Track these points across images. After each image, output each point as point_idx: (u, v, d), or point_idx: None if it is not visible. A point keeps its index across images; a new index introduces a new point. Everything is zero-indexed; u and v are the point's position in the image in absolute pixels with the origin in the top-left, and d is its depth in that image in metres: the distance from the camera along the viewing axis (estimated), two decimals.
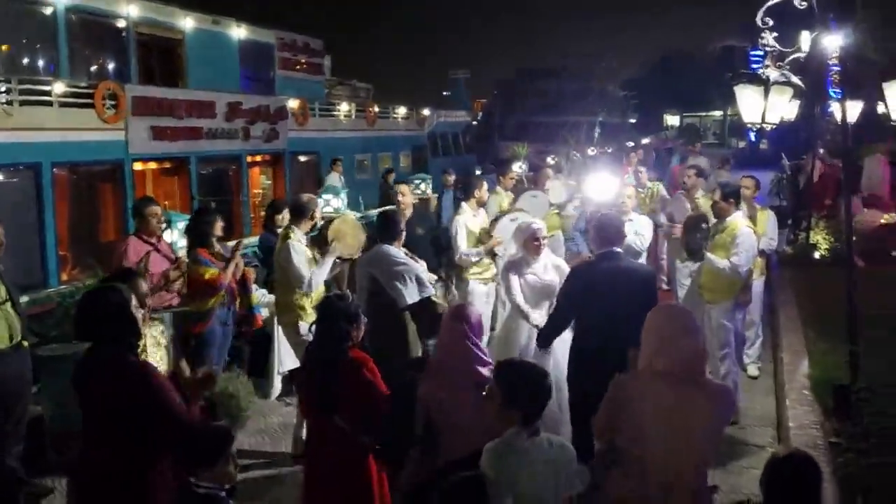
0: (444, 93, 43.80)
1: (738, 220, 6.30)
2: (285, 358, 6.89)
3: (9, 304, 5.35)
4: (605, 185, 8.03)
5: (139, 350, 3.64)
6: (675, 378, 3.22)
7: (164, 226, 6.87)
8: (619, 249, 4.92)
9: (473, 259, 7.31)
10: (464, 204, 7.81)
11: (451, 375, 3.74)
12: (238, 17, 17.41)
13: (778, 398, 6.76)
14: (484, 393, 3.38)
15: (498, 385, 3.17)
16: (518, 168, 14.73)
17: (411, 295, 5.23)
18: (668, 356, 3.24)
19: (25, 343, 5.40)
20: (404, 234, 5.74)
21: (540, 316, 5.55)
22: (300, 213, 6.24)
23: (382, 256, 5.44)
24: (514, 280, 5.76)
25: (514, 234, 6.31)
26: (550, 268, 5.82)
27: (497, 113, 47.89)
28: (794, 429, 5.78)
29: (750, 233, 6.25)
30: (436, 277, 5.80)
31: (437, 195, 14.46)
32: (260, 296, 7.47)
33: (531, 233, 5.81)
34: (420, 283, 5.32)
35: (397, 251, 5.47)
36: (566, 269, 5.69)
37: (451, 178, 13.13)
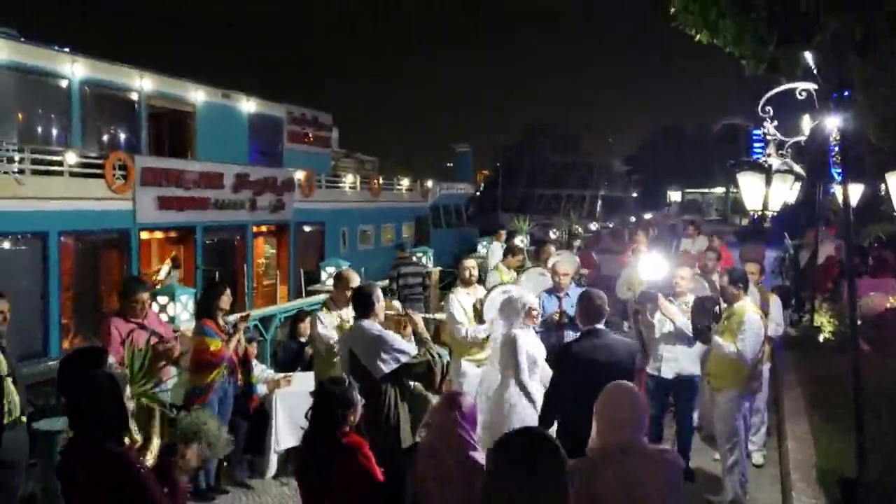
0: (447, 164, 44.45)
1: (746, 305, 6.29)
2: (282, 436, 6.80)
3: (10, 380, 5.32)
4: (656, 266, 7.95)
5: (125, 437, 3.55)
6: (616, 453, 3.33)
7: (151, 304, 6.80)
8: (601, 326, 5.00)
9: (481, 336, 7.06)
10: (457, 284, 7.61)
11: (442, 461, 3.70)
12: (249, 91, 17.85)
13: (784, 488, 6.62)
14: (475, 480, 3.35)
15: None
16: (520, 242, 14.77)
17: (388, 365, 5.20)
18: (610, 432, 3.38)
19: (24, 418, 5.34)
20: (380, 306, 5.68)
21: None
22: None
23: (357, 331, 5.44)
24: (523, 357, 5.66)
25: (503, 306, 6.22)
26: (537, 342, 5.87)
27: (499, 185, 48.44)
28: None
29: (757, 319, 6.23)
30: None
31: (437, 269, 14.50)
32: (259, 371, 7.41)
33: (527, 306, 5.82)
34: (396, 350, 5.28)
35: (371, 324, 5.45)
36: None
37: None
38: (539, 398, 5.42)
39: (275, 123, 19.04)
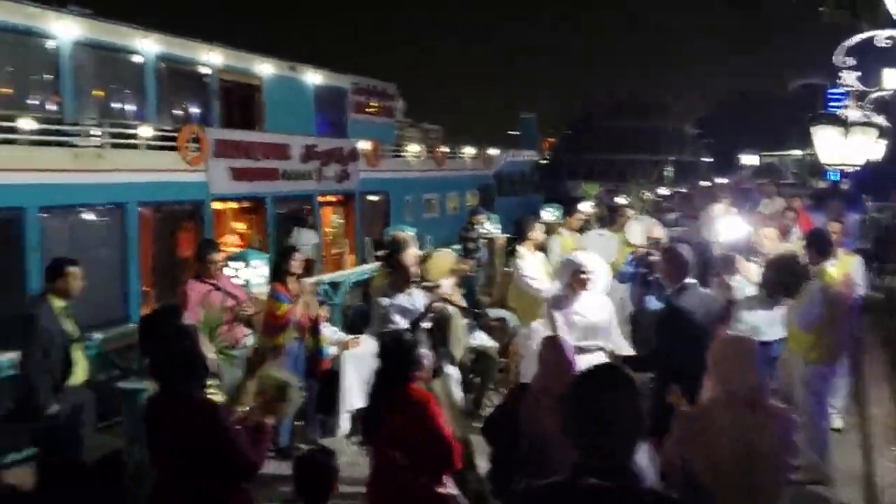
0: (512, 132, 44.04)
1: (824, 270, 6.03)
2: (352, 396, 6.93)
3: (78, 345, 5.61)
4: (734, 225, 7.76)
5: (207, 389, 3.70)
6: (740, 405, 3.33)
7: (224, 266, 7.05)
8: (692, 280, 5.02)
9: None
10: (519, 248, 7.64)
11: (555, 395, 3.76)
12: (315, 62, 18.03)
13: (865, 453, 6.41)
14: None
15: None
16: (589, 207, 14.57)
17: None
18: (732, 385, 3.36)
19: (90, 378, 5.67)
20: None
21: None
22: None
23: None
24: (558, 317, 5.58)
25: (559, 269, 6.15)
26: (597, 306, 5.65)
27: (566, 152, 47.77)
28: (884, 487, 5.46)
29: (814, 287, 5.88)
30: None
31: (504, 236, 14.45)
32: (331, 333, 7.56)
33: (575, 267, 5.67)
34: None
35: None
36: (611, 306, 5.69)
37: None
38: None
39: (340, 94, 19.20)
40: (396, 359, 3.83)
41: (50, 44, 11.73)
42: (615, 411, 2.24)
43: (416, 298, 6.34)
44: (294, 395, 3.88)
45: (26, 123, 10.55)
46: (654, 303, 6.55)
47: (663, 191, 33.72)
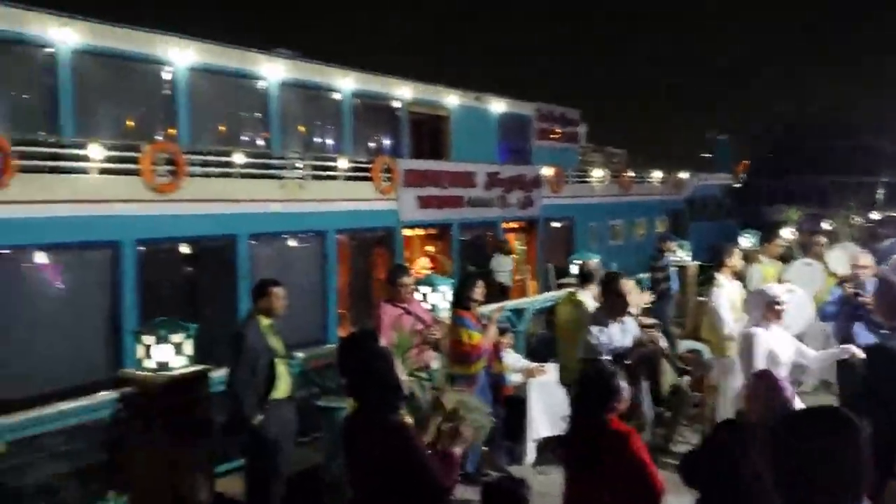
0: (703, 154, 42.08)
1: None
2: (538, 425, 6.84)
3: (284, 361, 5.94)
4: None
5: (402, 411, 3.75)
6: None
7: (415, 290, 7.24)
8: None
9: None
10: (717, 275, 7.24)
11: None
12: (499, 91, 18.34)
13: None
14: None
15: None
16: (790, 234, 13.55)
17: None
18: None
19: (293, 395, 5.98)
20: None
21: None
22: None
23: None
24: (758, 350, 5.26)
25: (750, 300, 5.80)
26: (789, 340, 5.43)
27: (763, 174, 44.86)
28: None
29: None
30: None
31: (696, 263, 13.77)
32: (514, 360, 7.53)
33: (769, 299, 5.35)
34: None
35: None
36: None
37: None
38: None
39: (523, 122, 19.36)
40: (596, 389, 3.71)
41: (260, 84, 12.83)
42: (836, 460, 1.99)
43: (628, 328, 6.16)
44: (484, 421, 3.85)
45: (239, 158, 11.57)
46: (864, 336, 5.91)
47: (875, 215, 30.72)
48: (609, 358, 5.59)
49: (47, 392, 7.87)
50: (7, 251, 8.76)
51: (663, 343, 6.01)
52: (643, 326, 6.28)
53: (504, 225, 17.34)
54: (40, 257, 9.31)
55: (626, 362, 5.46)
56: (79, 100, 10.23)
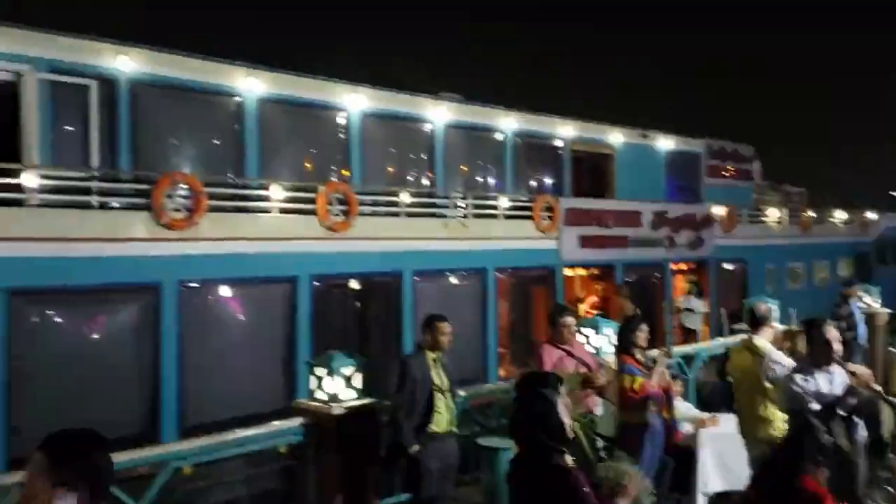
0: (893, 193, 38.56)
1: None
2: (710, 478, 6.44)
3: (449, 395, 5.98)
4: None
5: (566, 455, 3.65)
6: None
7: (577, 332, 7.08)
8: None
9: None
10: None
11: None
12: (665, 128, 17.84)
13: None
14: None
15: None
16: None
17: None
18: None
19: (455, 430, 5.95)
20: None
21: None
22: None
23: None
24: None
25: None
26: None
27: None
28: None
29: None
30: None
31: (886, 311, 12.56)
32: (685, 409, 7.17)
33: None
34: None
35: None
36: None
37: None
38: None
39: (692, 159, 18.66)
40: (798, 444, 3.42)
41: (426, 127, 13.26)
42: None
43: (835, 376, 5.70)
44: (639, 486, 3.69)
45: (405, 197, 11.97)
46: None
47: None
48: (818, 408, 5.20)
49: (228, 418, 8.42)
50: (197, 284, 9.50)
51: (876, 387, 5.48)
52: (851, 373, 5.78)
53: (672, 266, 16.70)
54: (225, 290, 10.03)
55: (839, 412, 5.04)
56: (262, 144, 11.04)
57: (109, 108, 9.48)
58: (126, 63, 9.52)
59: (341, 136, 12.12)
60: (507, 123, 14.42)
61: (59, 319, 8.74)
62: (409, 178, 13.58)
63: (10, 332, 7.94)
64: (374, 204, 11.75)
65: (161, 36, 10.60)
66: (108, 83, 9.46)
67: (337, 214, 10.74)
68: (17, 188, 8.25)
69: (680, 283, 17.35)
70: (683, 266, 17.22)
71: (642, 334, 6.56)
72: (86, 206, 8.87)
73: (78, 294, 8.60)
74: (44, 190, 8.52)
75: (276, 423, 5.60)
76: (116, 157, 9.56)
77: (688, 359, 9.35)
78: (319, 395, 5.47)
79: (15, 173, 8.35)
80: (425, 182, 13.57)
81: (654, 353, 6.68)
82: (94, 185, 9.09)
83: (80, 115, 9.36)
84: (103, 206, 9.07)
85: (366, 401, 5.54)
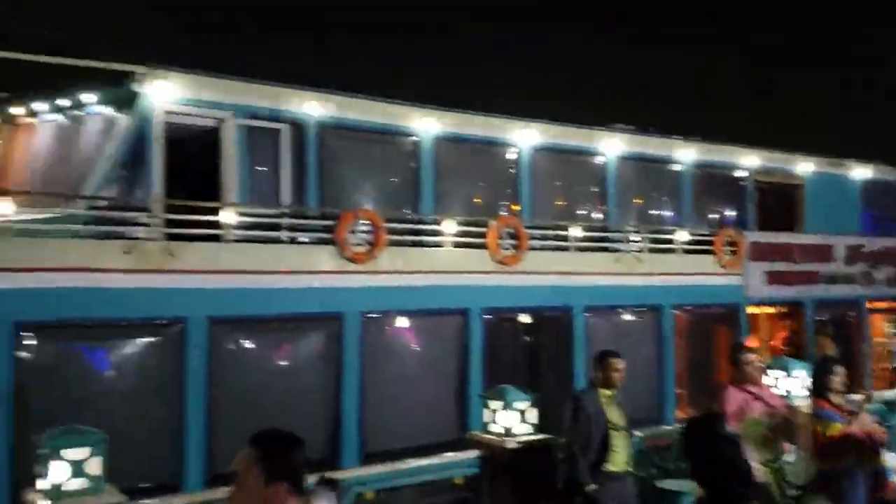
0: None
1: None
2: None
3: (626, 433, 5.79)
4: None
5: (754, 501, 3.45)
6: None
7: (762, 373, 6.66)
8: None
9: None
10: None
11: None
12: (862, 156, 16.50)
13: None
14: None
15: None
16: None
17: None
18: None
19: (632, 470, 5.73)
20: None
21: None
22: None
23: None
24: None
25: None
26: None
27: None
28: None
29: None
30: None
31: None
32: (890, 459, 6.51)
33: None
34: None
35: None
36: None
37: None
38: None
39: (893, 189, 17.08)
40: None
41: (598, 160, 13.07)
42: None
43: None
44: None
45: (576, 231, 11.84)
46: None
47: None
48: None
49: (404, 447, 8.64)
50: (377, 315, 9.90)
51: None
52: None
53: (868, 304, 15.29)
54: (402, 321, 10.37)
55: None
56: (437, 181, 11.38)
57: (298, 150, 10.15)
58: (315, 108, 10.19)
59: (511, 170, 12.23)
60: (686, 154, 13.91)
61: (252, 346, 9.39)
62: (579, 211, 13.42)
63: (211, 358, 8.60)
64: (544, 238, 11.72)
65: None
66: (297, 127, 10.15)
67: (507, 248, 10.82)
68: (217, 225, 9.01)
69: (877, 323, 15.86)
70: (883, 305, 15.74)
71: (838, 378, 6.09)
72: (277, 241, 9.55)
73: (271, 323, 9.21)
74: (240, 226, 9.25)
75: (450, 454, 5.68)
76: (304, 195, 10.22)
77: (891, 404, 8.48)
78: (494, 428, 5.50)
79: (214, 211, 9.13)
80: (597, 216, 13.36)
81: (858, 397, 6.15)
82: (284, 221, 9.78)
83: (272, 156, 10.09)
84: (293, 241, 9.72)
85: (540, 436, 5.49)
